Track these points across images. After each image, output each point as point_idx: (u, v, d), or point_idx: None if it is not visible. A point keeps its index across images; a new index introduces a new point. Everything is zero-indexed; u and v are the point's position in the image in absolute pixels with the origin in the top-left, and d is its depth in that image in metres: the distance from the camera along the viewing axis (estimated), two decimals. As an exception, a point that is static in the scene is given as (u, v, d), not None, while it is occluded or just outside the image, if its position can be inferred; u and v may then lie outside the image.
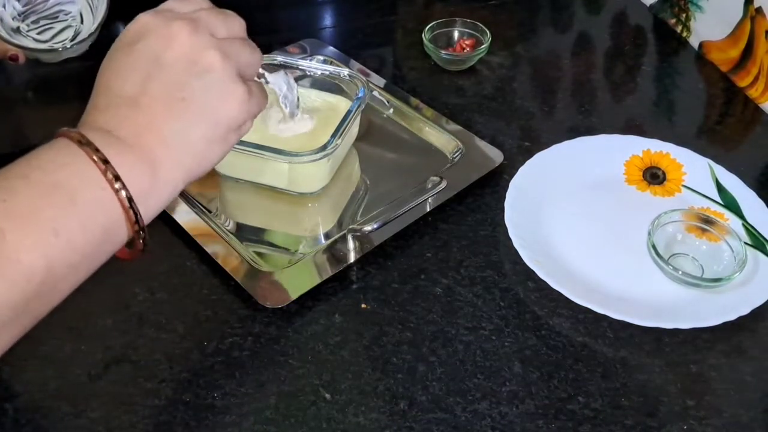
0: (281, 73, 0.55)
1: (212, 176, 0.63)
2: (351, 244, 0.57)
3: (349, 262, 0.55)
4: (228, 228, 0.58)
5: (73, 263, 0.35)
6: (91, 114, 0.38)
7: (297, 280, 0.53)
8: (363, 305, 0.53)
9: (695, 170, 0.63)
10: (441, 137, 0.66)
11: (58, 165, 0.35)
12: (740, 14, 0.74)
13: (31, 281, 0.33)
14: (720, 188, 0.61)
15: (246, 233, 0.58)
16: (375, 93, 0.71)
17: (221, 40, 0.40)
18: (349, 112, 0.60)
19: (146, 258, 0.56)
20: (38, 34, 0.72)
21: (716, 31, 0.78)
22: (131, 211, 0.36)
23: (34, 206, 0.34)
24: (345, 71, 0.66)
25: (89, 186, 0.35)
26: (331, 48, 0.77)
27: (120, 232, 0.37)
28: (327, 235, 0.58)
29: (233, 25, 0.42)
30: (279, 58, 0.67)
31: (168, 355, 0.49)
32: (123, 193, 0.36)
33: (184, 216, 0.58)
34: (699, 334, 0.51)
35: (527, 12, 0.88)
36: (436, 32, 0.79)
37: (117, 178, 0.35)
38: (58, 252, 0.34)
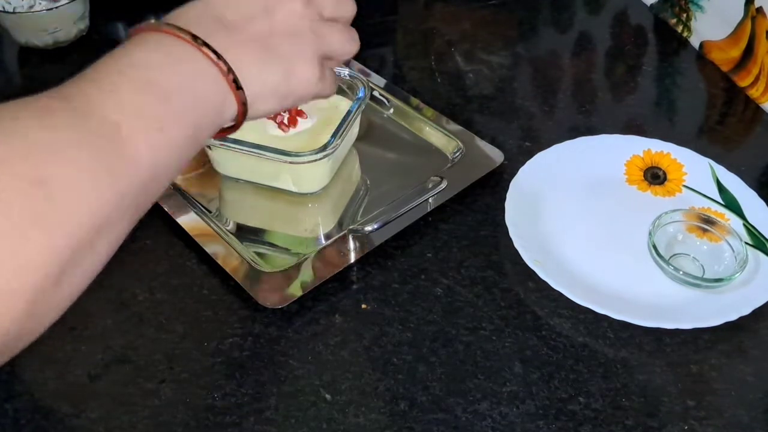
0: None
1: (212, 176, 0.63)
2: (351, 244, 0.57)
3: (349, 263, 0.55)
4: (228, 228, 0.58)
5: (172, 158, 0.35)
6: (174, 18, 0.37)
7: (297, 280, 0.53)
8: (363, 305, 0.53)
9: (696, 170, 0.63)
10: (441, 137, 0.66)
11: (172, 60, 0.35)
12: (741, 14, 0.74)
13: (141, 174, 0.32)
14: (721, 188, 0.61)
15: (246, 233, 0.58)
16: (375, 93, 0.70)
17: (321, 21, 0.42)
18: (349, 112, 0.60)
19: (146, 258, 0.56)
20: None
21: (717, 31, 0.78)
22: (238, 91, 0.37)
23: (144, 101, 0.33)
24: (345, 71, 0.65)
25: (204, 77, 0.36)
26: (332, 48, 0.77)
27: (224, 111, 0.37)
28: (327, 236, 0.58)
29: (343, 7, 0.44)
30: None
31: (168, 355, 0.49)
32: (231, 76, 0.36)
33: (184, 216, 0.58)
34: (700, 334, 0.51)
35: (527, 12, 0.88)
36: None
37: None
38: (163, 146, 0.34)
